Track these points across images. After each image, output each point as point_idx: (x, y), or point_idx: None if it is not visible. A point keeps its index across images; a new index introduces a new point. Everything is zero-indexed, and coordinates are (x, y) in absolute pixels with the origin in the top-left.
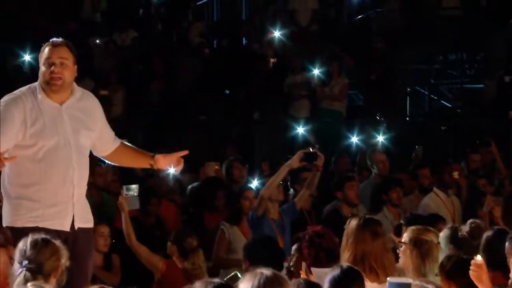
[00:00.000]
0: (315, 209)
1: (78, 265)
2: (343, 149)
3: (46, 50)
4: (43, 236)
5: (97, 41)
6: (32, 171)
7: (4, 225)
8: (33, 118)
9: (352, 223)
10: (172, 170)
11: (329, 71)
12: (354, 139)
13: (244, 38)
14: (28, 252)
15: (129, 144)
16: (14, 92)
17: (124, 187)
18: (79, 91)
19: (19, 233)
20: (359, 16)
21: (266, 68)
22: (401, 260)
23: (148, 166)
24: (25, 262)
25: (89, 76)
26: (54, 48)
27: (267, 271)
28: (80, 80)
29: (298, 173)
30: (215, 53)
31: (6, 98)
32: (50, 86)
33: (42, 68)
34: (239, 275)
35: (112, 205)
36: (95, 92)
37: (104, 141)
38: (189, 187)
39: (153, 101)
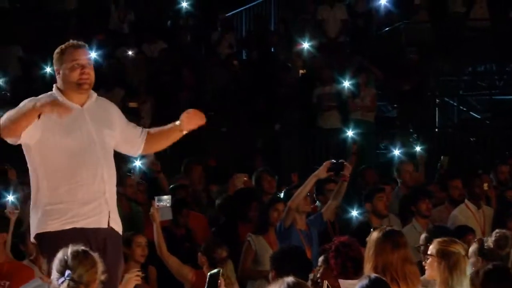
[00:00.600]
0: (339, 220)
1: (109, 271)
2: (373, 159)
3: (70, 52)
4: (83, 248)
5: (129, 52)
6: (59, 171)
7: (33, 234)
8: (53, 119)
9: (374, 234)
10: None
11: (358, 82)
12: (396, 152)
13: (272, 49)
14: (70, 262)
15: (153, 129)
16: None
17: (156, 198)
18: (94, 93)
19: (53, 237)
20: (387, 28)
21: (295, 79)
22: (427, 273)
23: (181, 135)
24: (68, 272)
25: (119, 86)
26: (79, 50)
27: (289, 279)
28: (110, 90)
29: (322, 184)
30: (244, 64)
31: (26, 101)
32: (80, 87)
33: (70, 71)
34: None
35: (140, 215)
36: (123, 103)
37: (132, 140)
38: (221, 198)
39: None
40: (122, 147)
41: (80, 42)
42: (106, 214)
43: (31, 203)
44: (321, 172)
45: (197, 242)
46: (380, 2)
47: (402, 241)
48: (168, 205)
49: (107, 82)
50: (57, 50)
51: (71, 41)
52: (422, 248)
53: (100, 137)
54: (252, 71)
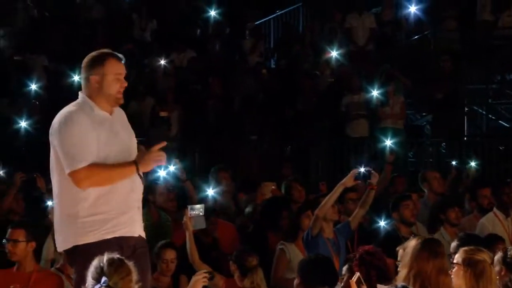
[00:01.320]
0: (364, 229)
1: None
2: (404, 167)
3: (112, 64)
4: (119, 256)
5: (162, 62)
6: None
7: (69, 245)
8: (98, 131)
9: (412, 242)
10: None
11: (387, 91)
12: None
13: (300, 58)
14: (106, 270)
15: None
16: (68, 112)
17: (189, 207)
18: None
19: (92, 248)
20: (416, 36)
21: (322, 88)
22: (454, 281)
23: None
24: (104, 279)
25: (150, 95)
26: (122, 63)
27: None
28: (141, 99)
29: (343, 194)
30: (272, 72)
31: (68, 120)
32: (117, 101)
33: (111, 82)
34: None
35: (169, 224)
36: (153, 112)
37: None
38: (250, 206)
39: (209, 121)
40: None
41: (120, 55)
42: (139, 223)
43: (64, 214)
44: (348, 180)
45: (224, 251)
46: (409, 10)
47: (439, 250)
48: (201, 214)
49: (138, 91)
50: (94, 56)
51: (107, 50)
52: (453, 256)
53: (130, 144)
54: (280, 79)
